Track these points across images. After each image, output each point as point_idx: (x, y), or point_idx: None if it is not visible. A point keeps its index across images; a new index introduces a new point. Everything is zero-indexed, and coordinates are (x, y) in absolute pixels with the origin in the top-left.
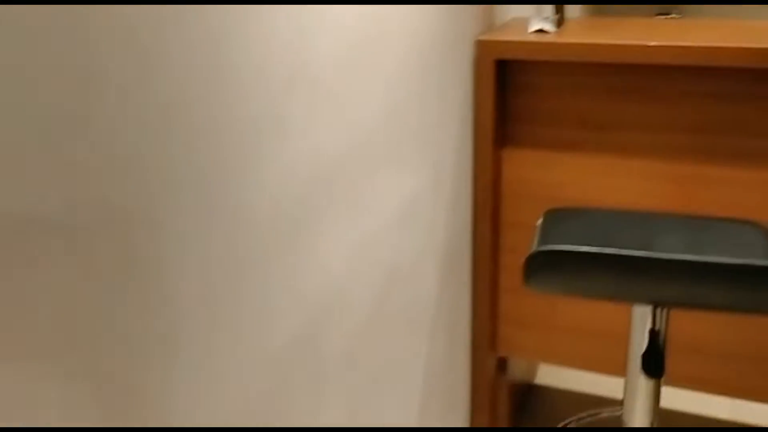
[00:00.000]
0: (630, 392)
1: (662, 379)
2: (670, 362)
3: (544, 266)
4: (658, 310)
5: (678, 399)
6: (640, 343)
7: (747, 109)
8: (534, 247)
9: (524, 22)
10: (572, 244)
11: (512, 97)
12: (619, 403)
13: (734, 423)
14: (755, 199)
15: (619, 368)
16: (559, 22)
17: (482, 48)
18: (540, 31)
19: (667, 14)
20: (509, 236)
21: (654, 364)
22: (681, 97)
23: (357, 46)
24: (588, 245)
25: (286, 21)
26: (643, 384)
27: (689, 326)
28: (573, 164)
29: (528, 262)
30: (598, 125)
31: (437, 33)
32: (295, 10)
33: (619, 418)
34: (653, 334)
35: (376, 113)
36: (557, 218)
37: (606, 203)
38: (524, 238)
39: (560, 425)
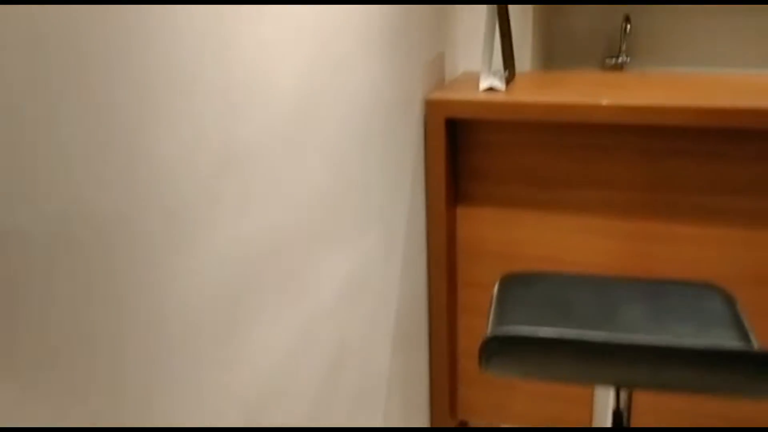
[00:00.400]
0: None
1: None
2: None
3: (500, 352)
4: (622, 391)
5: None
6: (602, 423)
7: (701, 165)
8: (489, 326)
9: (475, 77)
10: (530, 322)
11: (465, 154)
12: None
13: None
14: (711, 254)
15: (583, 424)
16: (509, 78)
17: (432, 107)
18: (491, 88)
19: (617, 57)
20: (466, 296)
21: None
22: (636, 154)
23: (293, 118)
24: (547, 323)
25: (214, 97)
26: None
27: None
28: (529, 222)
29: (483, 347)
30: (553, 182)
31: (383, 94)
32: (223, 84)
33: None
34: (616, 415)
35: (317, 185)
36: (513, 285)
37: (564, 262)
38: (482, 297)
39: None
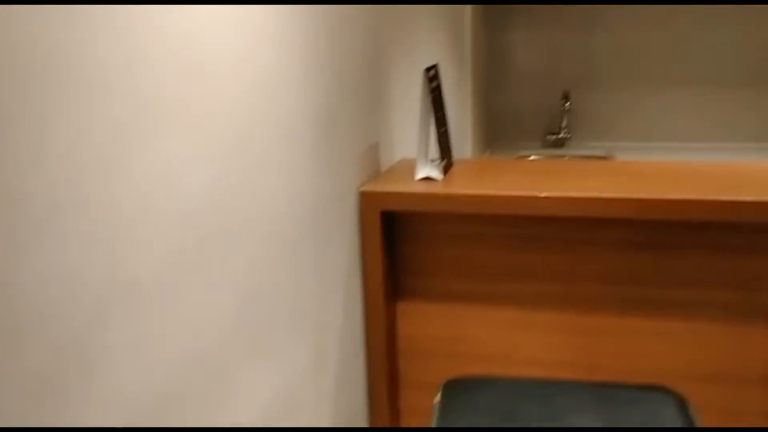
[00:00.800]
0: None
1: None
2: None
3: None
4: None
5: None
6: None
7: (646, 258)
8: None
9: (412, 165)
10: None
11: (403, 247)
12: None
13: None
14: (661, 349)
15: None
16: (447, 167)
17: (367, 200)
18: (427, 178)
19: (557, 134)
20: (410, 398)
21: None
22: (580, 245)
23: (203, 227)
24: None
25: (100, 220)
26: None
27: None
28: (472, 318)
29: None
30: (496, 276)
31: (314, 189)
32: (103, 216)
33: None
34: None
35: (229, 309)
36: (456, 393)
37: (511, 359)
38: (427, 398)
39: None
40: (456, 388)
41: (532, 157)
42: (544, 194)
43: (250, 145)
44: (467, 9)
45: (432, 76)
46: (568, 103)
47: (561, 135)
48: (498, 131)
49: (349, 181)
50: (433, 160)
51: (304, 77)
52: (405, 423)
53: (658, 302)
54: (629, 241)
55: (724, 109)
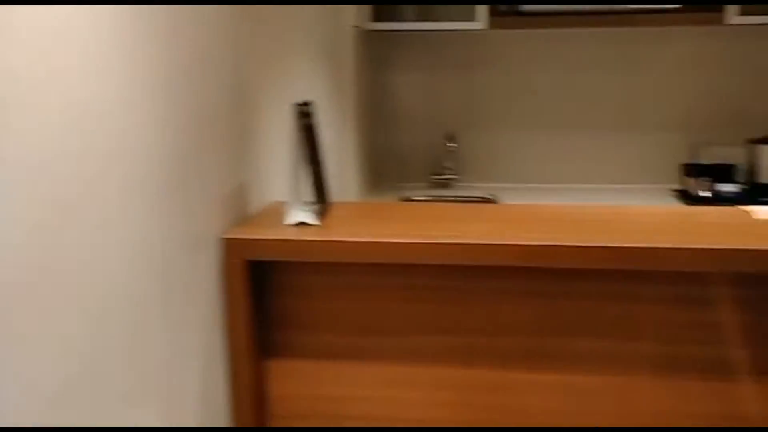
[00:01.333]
0: None
1: None
2: None
3: None
4: None
5: None
6: None
7: (539, 307)
8: None
9: (284, 209)
10: None
11: (274, 300)
12: None
13: None
14: (555, 403)
15: None
16: (323, 211)
17: (230, 248)
18: (301, 223)
19: (442, 174)
20: None
21: None
22: (468, 295)
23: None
24: None
25: None
26: None
27: None
28: (351, 375)
29: None
30: (378, 330)
31: (165, 238)
32: None
33: None
34: None
35: (54, 379)
36: None
37: (396, 420)
38: None
39: None
40: None
41: (416, 198)
42: (427, 241)
43: (73, 190)
44: (350, 47)
45: (304, 111)
46: (454, 143)
47: (446, 176)
48: (382, 172)
49: (209, 228)
50: (307, 204)
51: (151, 108)
52: None
53: (551, 354)
54: (515, 290)
55: (607, 151)
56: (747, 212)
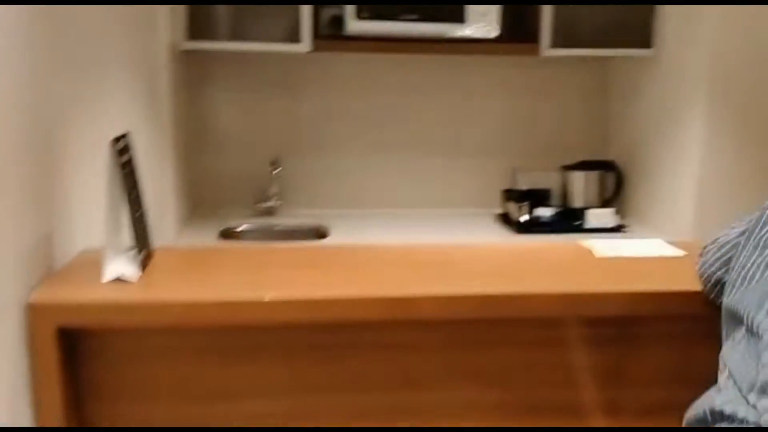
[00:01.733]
0: None
1: None
2: None
3: None
4: None
5: None
6: None
7: (394, 360)
8: None
9: (98, 258)
10: None
11: (89, 369)
12: None
13: None
14: None
15: None
16: (145, 260)
17: (38, 314)
18: (119, 279)
19: (267, 201)
20: None
21: None
22: (311, 351)
23: None
24: None
25: None
26: None
27: None
28: None
29: None
30: (214, 396)
31: None
32: None
33: None
34: None
35: None
36: None
37: None
38: None
39: None
40: None
41: (239, 230)
42: (267, 298)
43: None
44: (166, 68)
45: (121, 148)
46: (278, 169)
47: (271, 203)
48: (203, 200)
49: (10, 290)
50: (126, 251)
51: None
52: None
53: (400, 408)
54: (369, 342)
55: (432, 176)
56: (587, 249)
